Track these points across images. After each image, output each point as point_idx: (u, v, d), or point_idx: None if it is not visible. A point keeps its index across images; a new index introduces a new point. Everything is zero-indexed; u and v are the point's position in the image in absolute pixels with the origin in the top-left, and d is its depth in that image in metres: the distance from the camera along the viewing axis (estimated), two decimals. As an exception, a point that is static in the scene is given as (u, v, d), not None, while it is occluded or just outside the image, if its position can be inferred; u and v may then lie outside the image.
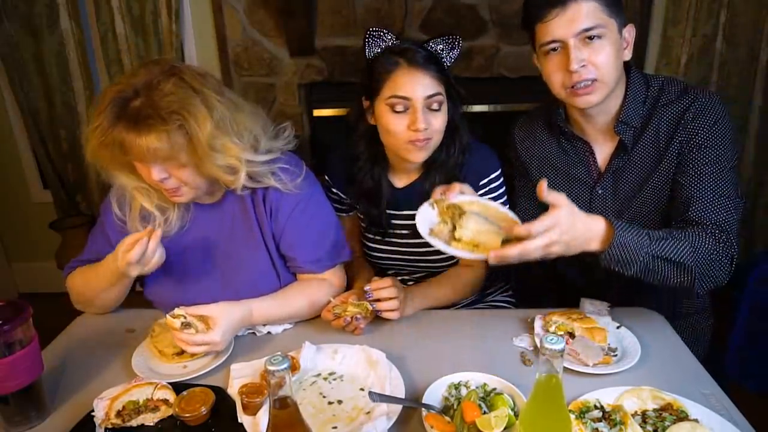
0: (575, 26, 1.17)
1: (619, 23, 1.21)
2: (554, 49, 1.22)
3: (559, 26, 1.18)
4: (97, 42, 2.65)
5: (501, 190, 1.44)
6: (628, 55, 1.26)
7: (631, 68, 1.30)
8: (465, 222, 1.10)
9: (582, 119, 1.32)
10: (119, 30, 2.59)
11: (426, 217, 1.14)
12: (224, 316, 1.13)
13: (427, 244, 1.35)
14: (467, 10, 2.49)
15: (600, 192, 1.36)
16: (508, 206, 1.38)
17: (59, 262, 2.85)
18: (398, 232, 1.47)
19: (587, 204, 1.38)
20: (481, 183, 1.40)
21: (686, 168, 1.24)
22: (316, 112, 2.64)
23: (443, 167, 1.38)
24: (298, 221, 1.28)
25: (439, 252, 1.40)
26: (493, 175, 1.41)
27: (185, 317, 1.10)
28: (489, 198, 1.37)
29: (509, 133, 1.51)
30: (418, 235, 1.38)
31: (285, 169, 1.26)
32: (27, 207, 3.03)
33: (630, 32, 1.25)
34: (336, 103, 2.61)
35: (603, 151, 1.35)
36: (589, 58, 1.19)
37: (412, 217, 1.31)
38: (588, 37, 1.17)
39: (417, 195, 1.38)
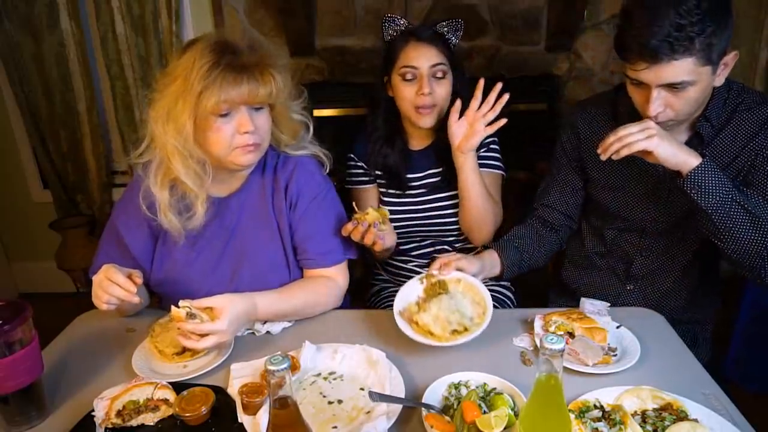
0: (662, 80, 1.14)
1: (716, 61, 1.15)
2: (638, 84, 1.20)
3: (646, 75, 1.15)
4: (97, 42, 2.65)
5: (499, 154, 1.61)
6: (720, 81, 1.21)
7: None
8: (430, 305, 1.18)
9: None
10: (119, 30, 2.59)
11: (408, 293, 1.25)
12: (229, 306, 1.12)
13: (441, 199, 1.62)
14: (467, 10, 2.50)
15: (669, 184, 1.35)
16: (502, 174, 1.61)
17: (59, 262, 2.85)
18: (415, 192, 1.63)
19: (650, 196, 1.38)
20: (483, 141, 1.48)
21: (755, 179, 1.24)
22: (316, 112, 2.64)
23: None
24: (314, 213, 1.32)
25: (447, 207, 1.60)
26: (489, 139, 1.54)
27: (190, 308, 1.10)
28: (491, 156, 1.59)
29: (569, 119, 1.50)
30: (430, 193, 1.61)
31: (312, 159, 1.37)
32: (27, 207, 3.03)
33: (732, 59, 1.19)
34: (336, 103, 2.62)
35: None
36: (670, 103, 1.17)
37: (429, 176, 1.63)
38: (674, 86, 1.15)
39: (431, 155, 1.62)
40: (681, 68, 1.12)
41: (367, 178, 1.68)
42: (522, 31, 2.54)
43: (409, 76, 1.49)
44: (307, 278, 1.34)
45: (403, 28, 1.55)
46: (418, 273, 1.68)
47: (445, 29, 1.55)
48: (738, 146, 1.27)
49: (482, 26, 2.53)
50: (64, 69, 2.69)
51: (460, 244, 1.68)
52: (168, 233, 1.27)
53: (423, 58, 1.48)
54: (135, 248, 1.30)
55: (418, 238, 1.67)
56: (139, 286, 1.15)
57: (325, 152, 1.38)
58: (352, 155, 1.69)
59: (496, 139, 1.60)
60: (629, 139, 1.16)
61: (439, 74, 1.49)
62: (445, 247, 1.67)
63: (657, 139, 1.15)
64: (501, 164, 1.61)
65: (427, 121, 1.52)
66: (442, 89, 1.50)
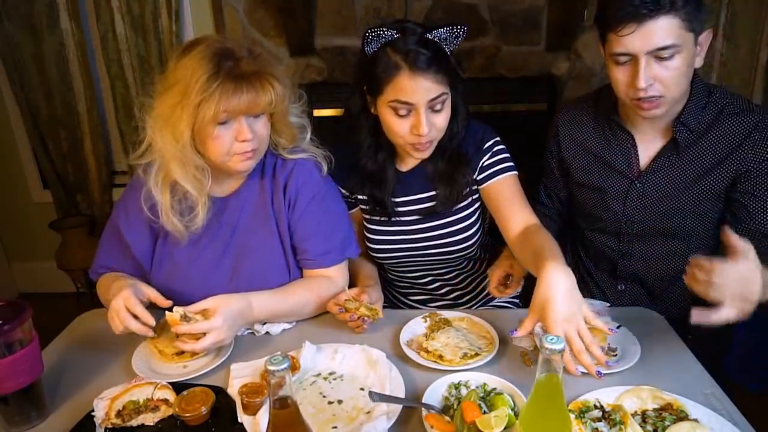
0: (650, 44, 1.13)
1: (697, 33, 1.17)
2: (624, 61, 1.19)
3: (633, 42, 1.14)
4: (97, 42, 2.65)
5: (506, 154, 1.41)
6: (699, 62, 1.21)
7: (695, 73, 1.27)
8: (438, 334, 1.19)
9: (638, 116, 1.31)
10: (119, 30, 2.59)
11: (413, 329, 1.24)
12: (222, 305, 1.12)
13: (433, 228, 1.43)
14: (467, 10, 2.50)
15: (639, 186, 1.36)
16: (516, 173, 1.40)
17: (59, 262, 2.86)
18: (404, 219, 1.46)
19: (623, 197, 1.39)
20: (485, 147, 1.39)
21: (756, 191, 1.25)
22: (316, 112, 2.65)
23: (447, 148, 1.38)
24: (314, 213, 1.31)
25: (446, 235, 1.44)
26: (491, 142, 1.40)
27: (184, 313, 1.11)
28: (498, 159, 1.39)
29: (552, 120, 1.53)
30: (425, 220, 1.44)
31: (311, 160, 1.34)
32: (27, 207, 3.03)
33: (706, 38, 1.20)
34: (336, 103, 2.62)
35: (649, 147, 1.34)
36: (659, 76, 1.16)
37: (418, 201, 1.44)
38: (661, 55, 1.14)
39: (422, 178, 1.43)
40: (669, 29, 1.12)
41: (347, 205, 1.47)
42: (522, 31, 2.54)
43: (402, 112, 1.25)
44: (305, 278, 1.34)
45: (389, 39, 1.23)
46: (417, 308, 1.60)
47: (444, 36, 1.25)
48: (721, 153, 1.27)
49: (482, 26, 2.53)
50: (64, 69, 2.69)
51: (461, 278, 1.56)
52: (169, 233, 1.27)
53: (420, 91, 1.22)
54: (136, 247, 1.30)
55: (413, 269, 1.53)
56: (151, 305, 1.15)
57: (325, 154, 1.36)
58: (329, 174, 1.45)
59: (497, 139, 1.42)
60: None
61: (438, 106, 1.25)
62: (443, 281, 1.56)
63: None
64: (512, 163, 1.41)
65: (425, 154, 1.33)
66: (442, 120, 1.28)
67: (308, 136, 1.35)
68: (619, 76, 1.22)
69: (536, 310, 1.05)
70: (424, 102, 1.23)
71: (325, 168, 1.35)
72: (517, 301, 1.66)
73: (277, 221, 1.32)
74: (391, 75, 1.22)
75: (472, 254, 1.50)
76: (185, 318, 1.10)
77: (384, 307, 1.31)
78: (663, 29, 1.12)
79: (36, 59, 2.65)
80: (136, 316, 1.11)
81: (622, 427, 0.92)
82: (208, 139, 1.16)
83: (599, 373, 1.02)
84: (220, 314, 1.10)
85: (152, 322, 1.11)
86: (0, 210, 3.04)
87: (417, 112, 1.24)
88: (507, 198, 1.36)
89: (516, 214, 1.34)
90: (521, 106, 2.62)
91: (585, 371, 1.04)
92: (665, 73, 1.16)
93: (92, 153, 2.82)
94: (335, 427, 0.97)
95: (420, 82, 1.21)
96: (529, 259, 1.21)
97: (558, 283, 1.04)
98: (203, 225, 1.25)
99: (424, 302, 1.60)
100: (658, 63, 1.15)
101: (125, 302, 1.11)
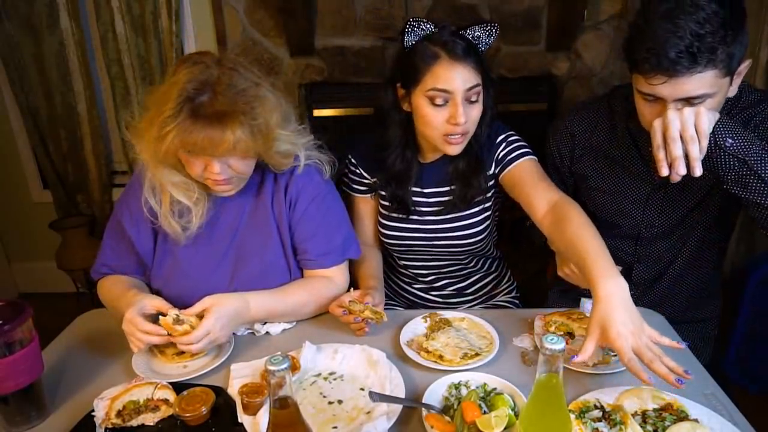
0: (680, 94, 1.06)
1: (734, 71, 1.09)
2: (650, 100, 1.13)
3: (662, 90, 1.07)
4: (97, 42, 2.65)
5: (521, 142, 1.42)
6: (734, 91, 1.15)
7: None
8: (438, 334, 1.20)
9: None
10: (119, 30, 2.58)
11: (413, 329, 1.24)
12: (216, 305, 1.13)
13: (448, 221, 1.45)
14: (467, 10, 2.49)
15: (662, 192, 1.34)
16: (534, 158, 1.40)
17: (59, 262, 2.85)
18: (420, 209, 1.48)
19: (643, 202, 1.37)
20: (497, 141, 1.41)
21: None
22: (316, 112, 2.64)
23: (470, 149, 1.39)
24: (314, 213, 1.31)
25: (458, 229, 1.46)
26: (503, 136, 1.42)
27: (178, 315, 1.11)
28: (514, 147, 1.40)
29: (557, 123, 1.49)
30: (440, 213, 1.47)
31: (315, 165, 1.34)
32: (27, 207, 3.03)
33: (745, 67, 1.13)
34: (336, 103, 2.61)
35: None
36: None
37: (435, 195, 1.47)
38: (692, 102, 1.07)
39: (440, 173, 1.45)
40: (702, 81, 1.04)
41: (365, 189, 1.54)
42: (522, 31, 2.53)
43: (439, 101, 1.27)
44: (305, 278, 1.34)
45: (428, 32, 1.30)
46: (423, 297, 1.63)
47: (478, 33, 1.31)
48: None
49: (482, 26, 2.53)
50: (64, 69, 2.69)
51: (466, 272, 1.59)
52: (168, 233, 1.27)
53: (458, 79, 1.25)
54: (139, 243, 1.30)
55: (423, 259, 1.56)
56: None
57: (329, 158, 1.35)
58: (351, 158, 1.53)
59: (511, 132, 1.43)
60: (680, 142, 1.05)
61: (474, 97, 1.29)
62: (449, 273, 1.59)
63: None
64: (529, 149, 1.41)
65: (458, 149, 1.33)
66: (476, 112, 1.31)
67: (302, 164, 1.29)
68: (644, 110, 1.17)
69: (596, 327, 0.99)
70: (462, 90, 1.26)
71: (327, 172, 1.35)
72: (517, 301, 1.66)
73: (277, 222, 1.32)
74: (430, 64, 1.27)
75: (480, 249, 1.52)
76: (178, 321, 1.10)
77: (386, 305, 1.32)
78: (697, 82, 1.04)
79: (36, 59, 2.65)
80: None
81: (622, 427, 0.92)
82: (184, 162, 1.16)
83: (680, 381, 0.93)
84: (211, 314, 1.11)
85: (164, 332, 1.11)
86: (0, 210, 3.03)
87: (454, 101, 1.27)
88: (527, 180, 1.35)
89: (539, 193, 1.30)
90: (521, 106, 2.61)
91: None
92: None
93: (92, 153, 2.82)
94: (335, 427, 0.97)
95: (458, 70, 1.26)
96: (570, 255, 1.16)
97: (615, 297, 0.99)
98: (201, 225, 1.25)
99: (426, 290, 1.62)
100: (687, 106, 1.08)
101: (133, 322, 1.11)
